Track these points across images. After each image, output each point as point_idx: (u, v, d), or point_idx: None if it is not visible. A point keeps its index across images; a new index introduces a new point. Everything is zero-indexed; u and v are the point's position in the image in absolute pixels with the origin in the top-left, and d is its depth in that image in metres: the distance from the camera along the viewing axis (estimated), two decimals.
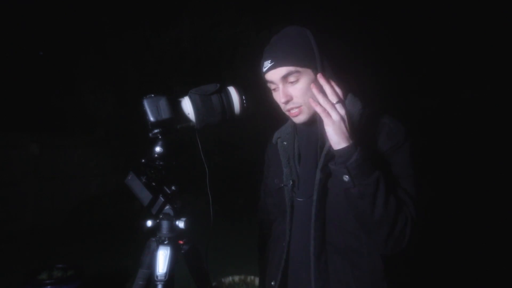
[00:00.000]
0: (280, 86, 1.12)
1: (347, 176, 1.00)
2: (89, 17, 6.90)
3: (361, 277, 1.10)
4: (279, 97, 1.13)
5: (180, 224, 1.20)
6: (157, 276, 1.14)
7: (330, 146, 1.05)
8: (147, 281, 1.21)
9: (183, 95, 1.23)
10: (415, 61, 7.56)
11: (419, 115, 6.99)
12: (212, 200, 1.28)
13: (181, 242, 1.24)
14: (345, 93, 1.11)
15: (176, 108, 1.19)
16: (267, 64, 1.12)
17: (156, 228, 1.21)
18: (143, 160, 1.20)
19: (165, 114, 1.16)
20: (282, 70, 1.10)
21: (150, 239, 1.23)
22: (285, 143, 1.25)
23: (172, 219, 1.21)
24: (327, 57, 1.11)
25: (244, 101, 1.24)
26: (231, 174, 6.32)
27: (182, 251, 1.24)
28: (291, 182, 1.19)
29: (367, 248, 1.10)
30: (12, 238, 5.07)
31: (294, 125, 1.24)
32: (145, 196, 1.15)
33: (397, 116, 1.17)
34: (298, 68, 1.08)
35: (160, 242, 1.19)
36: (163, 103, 1.16)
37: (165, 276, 1.14)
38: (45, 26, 7.62)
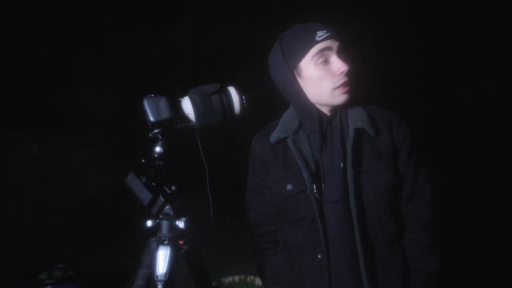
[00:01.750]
0: (339, 55, 1.05)
1: None
2: (89, 17, 6.89)
3: (397, 265, 1.14)
4: (335, 67, 1.04)
5: (180, 224, 1.20)
6: (157, 276, 1.14)
7: (354, 140, 1.07)
8: (147, 281, 1.21)
9: (183, 95, 1.23)
10: (414, 61, 7.56)
11: (418, 115, 6.99)
12: (212, 200, 1.28)
13: (181, 242, 1.24)
14: None
15: (176, 108, 1.19)
16: (322, 33, 1.04)
17: (156, 228, 1.21)
18: (143, 160, 1.20)
19: (165, 114, 1.16)
20: (343, 42, 1.06)
21: (150, 239, 1.23)
22: (297, 143, 1.13)
23: (172, 219, 1.21)
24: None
25: (244, 101, 1.24)
26: (231, 174, 6.31)
27: (182, 251, 1.24)
28: (314, 187, 1.08)
29: (397, 235, 1.15)
30: (12, 238, 5.07)
31: (316, 119, 1.10)
32: (145, 196, 1.15)
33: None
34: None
35: (160, 242, 1.19)
36: (163, 103, 1.16)
37: (165, 276, 1.14)
38: (45, 26, 7.62)
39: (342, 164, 1.07)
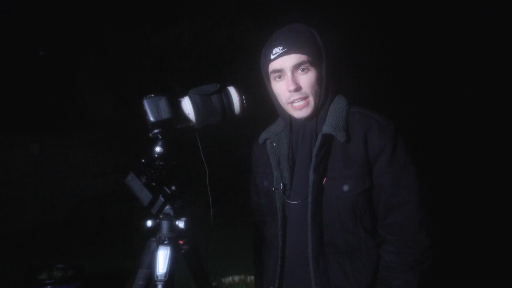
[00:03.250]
0: (289, 74, 1.08)
1: None
2: (88, 17, 6.89)
3: (360, 274, 1.09)
4: (286, 85, 1.09)
5: (180, 224, 1.20)
6: (157, 276, 1.14)
7: (320, 145, 1.07)
8: (147, 281, 1.21)
9: (183, 95, 1.23)
10: (413, 61, 7.56)
11: (417, 115, 6.99)
12: (212, 200, 1.28)
13: (181, 242, 1.24)
14: (334, 92, 1.15)
15: (176, 108, 1.19)
16: (278, 50, 1.08)
17: (156, 228, 1.21)
18: (143, 160, 1.20)
19: (165, 114, 1.16)
20: (296, 57, 1.07)
21: (150, 239, 1.23)
22: (274, 144, 1.21)
23: (172, 219, 1.21)
24: (330, 56, 1.11)
25: (244, 101, 1.24)
26: (231, 174, 6.32)
27: (182, 251, 1.24)
28: (281, 186, 1.16)
29: (365, 244, 1.09)
30: (12, 238, 5.07)
31: (288, 124, 1.19)
32: (145, 196, 1.15)
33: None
34: (311, 59, 1.07)
35: (160, 242, 1.19)
36: (163, 103, 1.16)
37: (165, 276, 1.14)
38: (45, 26, 7.62)
39: (308, 167, 1.10)
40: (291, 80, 1.08)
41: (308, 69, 1.08)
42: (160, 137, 1.19)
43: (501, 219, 5.25)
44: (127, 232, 4.20)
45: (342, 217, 1.08)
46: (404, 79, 7.35)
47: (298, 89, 1.08)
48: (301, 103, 1.10)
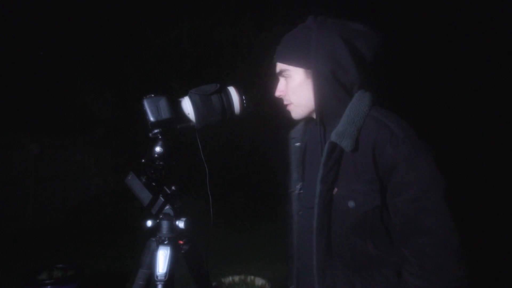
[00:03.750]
0: (279, 79, 1.13)
1: None
2: (89, 17, 6.89)
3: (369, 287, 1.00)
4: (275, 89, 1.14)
5: (180, 224, 1.20)
6: (157, 276, 1.14)
7: (327, 154, 0.98)
8: (147, 281, 1.21)
9: (183, 95, 1.23)
10: (413, 62, 7.56)
11: (418, 116, 6.99)
12: (212, 200, 1.28)
13: (181, 242, 1.24)
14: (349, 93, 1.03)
15: (176, 108, 1.19)
16: (274, 56, 1.13)
17: (156, 228, 1.21)
18: (143, 160, 1.20)
19: (165, 114, 1.16)
20: (278, 66, 1.11)
21: (150, 239, 1.23)
22: (297, 144, 1.19)
23: (172, 219, 1.21)
24: (331, 56, 1.00)
25: (244, 101, 1.24)
26: (231, 174, 6.31)
27: (182, 251, 1.24)
28: (298, 188, 1.13)
29: (378, 263, 0.99)
30: (12, 238, 5.07)
31: (305, 124, 1.19)
32: (145, 196, 1.15)
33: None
34: (289, 67, 1.07)
35: (160, 242, 1.19)
36: (163, 103, 1.16)
37: (165, 276, 1.14)
38: (45, 26, 7.62)
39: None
40: (277, 86, 1.12)
41: (289, 76, 1.08)
42: (160, 137, 1.19)
43: (502, 219, 5.25)
44: (127, 232, 4.19)
45: (348, 233, 0.99)
46: (404, 79, 7.34)
47: (281, 95, 1.12)
48: (287, 107, 1.13)
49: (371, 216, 0.96)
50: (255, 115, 5.43)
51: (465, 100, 7.66)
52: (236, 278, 3.10)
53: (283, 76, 1.10)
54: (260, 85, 6.25)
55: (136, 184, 1.16)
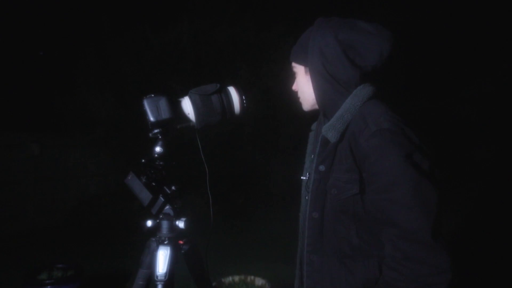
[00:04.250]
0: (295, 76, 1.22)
1: None
2: (89, 17, 6.89)
3: (355, 281, 1.04)
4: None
5: (180, 224, 1.20)
6: (157, 276, 1.15)
7: (320, 145, 1.11)
8: (147, 281, 1.21)
9: (183, 95, 1.23)
10: (413, 62, 7.56)
11: (419, 116, 7.00)
12: (212, 200, 1.28)
13: (181, 242, 1.24)
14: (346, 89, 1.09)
15: (176, 108, 1.19)
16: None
17: (156, 228, 1.21)
18: (143, 160, 1.20)
19: (165, 114, 1.16)
20: (291, 64, 1.20)
21: (150, 239, 1.23)
22: (311, 137, 1.30)
23: (172, 219, 1.21)
24: (321, 53, 1.06)
25: (244, 101, 1.24)
26: (231, 174, 6.31)
27: (182, 251, 1.24)
28: (307, 175, 1.20)
29: (361, 252, 1.03)
30: (12, 238, 5.07)
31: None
32: (145, 196, 1.15)
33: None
34: (295, 65, 1.18)
35: (160, 242, 1.19)
36: (163, 103, 1.16)
37: (165, 276, 1.14)
38: (45, 26, 7.62)
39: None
40: (293, 82, 1.22)
41: (297, 74, 1.18)
42: (160, 137, 1.19)
43: (501, 218, 5.25)
44: (127, 232, 4.19)
45: (334, 220, 1.06)
46: (404, 79, 7.35)
47: (295, 90, 1.22)
48: (299, 101, 1.22)
49: (352, 204, 1.01)
50: (255, 115, 5.43)
51: (465, 100, 7.67)
52: (236, 278, 3.10)
53: (294, 73, 1.20)
54: (260, 85, 6.27)
55: (136, 184, 1.15)
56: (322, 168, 1.07)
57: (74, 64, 6.51)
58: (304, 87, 1.16)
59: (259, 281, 3.05)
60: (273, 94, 6.05)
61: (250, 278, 3.09)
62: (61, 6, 7.44)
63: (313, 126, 1.31)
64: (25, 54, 7.85)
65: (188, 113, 1.20)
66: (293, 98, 1.27)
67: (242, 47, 6.52)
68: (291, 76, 1.23)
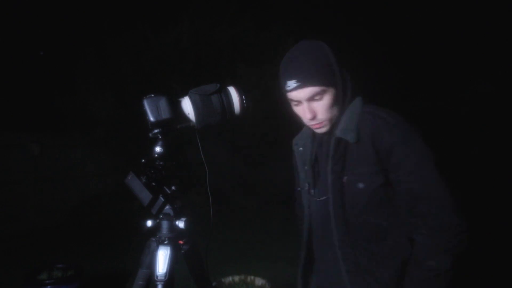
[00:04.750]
0: (305, 104, 1.15)
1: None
2: (89, 17, 6.89)
3: (389, 259, 1.15)
4: (303, 112, 1.17)
5: (180, 224, 1.20)
6: (157, 276, 1.14)
7: (334, 148, 1.16)
8: (147, 281, 1.21)
9: (183, 95, 1.23)
10: (413, 61, 7.56)
11: (419, 116, 6.99)
12: (212, 200, 1.28)
13: (181, 242, 1.24)
14: (351, 97, 1.20)
15: (176, 108, 1.19)
16: (291, 84, 1.13)
17: (156, 228, 1.21)
18: (143, 160, 1.20)
19: (165, 114, 1.16)
20: (309, 91, 1.12)
21: (150, 239, 1.23)
22: (301, 149, 1.33)
23: (172, 219, 1.21)
24: (344, 68, 1.17)
25: (244, 101, 1.24)
26: (231, 174, 6.32)
27: (182, 251, 1.24)
28: (307, 185, 1.27)
29: (392, 234, 1.15)
30: (12, 238, 5.07)
31: (313, 132, 1.28)
32: (145, 196, 1.15)
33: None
34: (323, 88, 1.12)
35: (160, 242, 1.19)
36: (163, 103, 1.16)
37: (165, 276, 1.14)
38: (45, 26, 7.62)
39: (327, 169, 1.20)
40: (307, 109, 1.15)
41: (321, 97, 1.13)
42: (160, 137, 1.19)
43: (501, 218, 5.25)
44: (127, 232, 4.19)
45: (362, 212, 1.15)
46: (404, 79, 7.35)
47: (314, 116, 1.15)
48: (319, 125, 1.18)
49: (379, 193, 1.13)
50: (255, 115, 5.43)
51: (465, 100, 7.67)
52: (236, 278, 3.10)
53: (314, 99, 1.14)
54: (260, 85, 6.26)
55: (136, 184, 1.15)
56: (338, 168, 1.16)
57: (74, 64, 6.52)
58: (334, 107, 1.16)
59: (259, 281, 3.05)
60: (273, 94, 6.05)
61: (250, 278, 3.09)
62: (61, 6, 7.44)
63: (297, 141, 1.35)
64: (25, 54, 7.85)
65: (188, 113, 1.20)
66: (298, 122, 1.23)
67: (242, 47, 6.53)
68: (300, 103, 1.16)
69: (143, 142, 1.28)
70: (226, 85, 1.25)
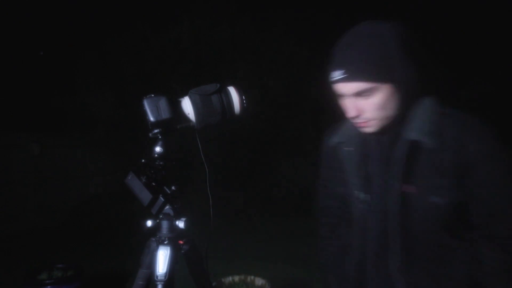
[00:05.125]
0: (349, 100, 1.00)
1: None
2: (89, 17, 6.90)
3: (454, 283, 1.03)
4: (346, 109, 1.02)
5: (180, 224, 1.20)
6: (157, 276, 1.14)
7: (406, 152, 0.99)
8: (147, 281, 1.21)
9: (183, 95, 1.23)
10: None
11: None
12: (212, 200, 1.28)
13: (181, 242, 1.24)
14: (416, 96, 1.02)
15: (176, 108, 1.19)
16: (337, 74, 0.97)
17: (156, 228, 1.21)
18: (143, 160, 1.20)
19: (165, 114, 1.16)
20: (355, 86, 0.96)
21: (150, 239, 1.23)
22: (351, 149, 1.12)
23: (172, 219, 1.21)
24: (414, 61, 0.97)
25: (244, 101, 1.24)
26: (232, 174, 6.31)
27: (182, 251, 1.24)
28: (363, 195, 1.09)
29: (460, 256, 1.03)
30: (12, 238, 5.07)
31: (353, 129, 1.12)
32: (145, 196, 1.15)
33: None
34: (374, 84, 0.94)
35: (160, 242, 1.19)
36: (163, 103, 1.16)
37: (165, 276, 1.14)
38: (45, 26, 7.62)
39: (389, 176, 1.03)
40: (352, 106, 0.99)
41: (370, 94, 0.96)
42: (160, 137, 1.19)
43: None
44: (127, 232, 4.19)
45: (431, 229, 1.01)
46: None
47: (359, 115, 1.00)
48: (364, 123, 1.02)
49: (455, 210, 0.98)
50: (255, 114, 5.43)
51: (465, 100, 7.67)
52: (236, 278, 3.09)
53: (361, 95, 0.97)
54: (260, 85, 6.27)
55: (136, 184, 1.15)
56: (405, 176, 1.00)
57: (74, 64, 6.52)
58: (388, 106, 0.98)
59: (259, 281, 3.05)
60: (273, 94, 6.06)
61: (250, 278, 3.09)
62: (61, 6, 7.44)
63: (341, 139, 1.16)
64: (25, 54, 7.85)
65: (188, 113, 1.20)
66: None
67: (242, 47, 6.53)
68: (344, 99, 1.02)
69: (143, 142, 1.28)
70: (226, 85, 1.24)
